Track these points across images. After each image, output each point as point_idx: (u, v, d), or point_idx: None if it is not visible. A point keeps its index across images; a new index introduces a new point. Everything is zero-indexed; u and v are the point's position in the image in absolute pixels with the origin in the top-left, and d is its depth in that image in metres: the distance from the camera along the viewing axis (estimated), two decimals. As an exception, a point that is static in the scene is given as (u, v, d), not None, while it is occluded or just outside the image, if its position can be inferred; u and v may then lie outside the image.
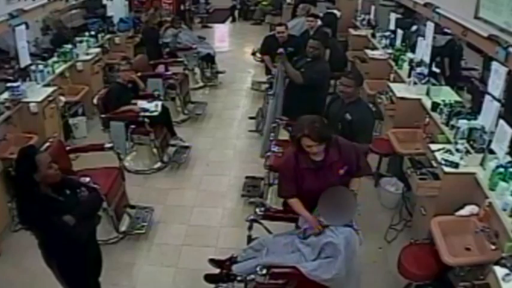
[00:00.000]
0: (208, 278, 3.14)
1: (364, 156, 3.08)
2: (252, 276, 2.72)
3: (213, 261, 3.19)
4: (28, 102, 4.44)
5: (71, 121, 5.52)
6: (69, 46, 5.78)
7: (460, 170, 3.34)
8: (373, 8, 7.39)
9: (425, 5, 5.00)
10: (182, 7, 10.95)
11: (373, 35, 6.82)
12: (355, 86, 3.54)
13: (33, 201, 2.43)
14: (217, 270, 3.13)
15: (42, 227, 2.47)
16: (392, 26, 6.36)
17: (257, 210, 3.13)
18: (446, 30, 5.02)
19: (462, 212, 3.16)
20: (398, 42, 5.95)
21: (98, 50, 6.30)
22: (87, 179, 3.53)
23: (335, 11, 8.17)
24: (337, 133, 3.32)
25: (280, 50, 4.81)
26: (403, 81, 5.08)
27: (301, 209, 2.85)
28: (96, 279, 2.99)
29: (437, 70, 4.95)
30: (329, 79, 4.97)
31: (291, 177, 2.86)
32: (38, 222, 2.46)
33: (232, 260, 3.03)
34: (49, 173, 2.47)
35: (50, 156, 2.58)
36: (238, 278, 3.04)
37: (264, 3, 11.70)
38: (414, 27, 6.16)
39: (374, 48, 6.39)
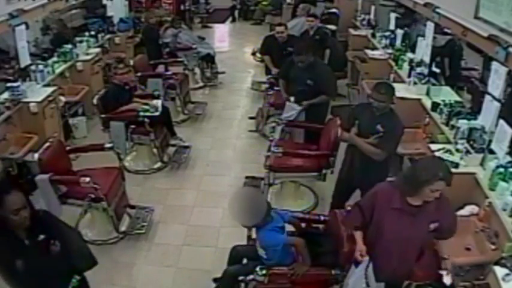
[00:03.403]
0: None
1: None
2: (252, 276, 2.72)
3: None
4: (28, 102, 4.44)
5: (71, 121, 5.52)
6: (69, 46, 5.78)
7: (460, 170, 3.34)
8: (373, 8, 7.38)
9: (425, 5, 5.00)
10: (182, 7, 10.95)
11: (373, 35, 6.81)
12: (388, 100, 3.38)
13: None
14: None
15: None
16: (392, 26, 6.36)
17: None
18: (446, 30, 5.02)
19: (462, 212, 3.16)
20: (398, 42, 5.95)
21: (98, 50, 6.29)
22: (87, 179, 3.56)
23: (336, 10, 8.21)
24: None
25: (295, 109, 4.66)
26: (403, 81, 5.07)
27: (360, 239, 2.65)
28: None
29: (437, 70, 4.95)
30: None
31: (367, 209, 2.61)
32: None
33: None
34: (12, 218, 2.17)
35: (22, 203, 2.20)
36: (239, 278, 3.04)
37: (264, 3, 11.68)
38: (413, 27, 6.18)
39: (374, 48, 6.39)
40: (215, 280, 3.20)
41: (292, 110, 4.65)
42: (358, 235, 2.65)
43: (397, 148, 3.60)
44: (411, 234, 2.50)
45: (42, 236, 2.28)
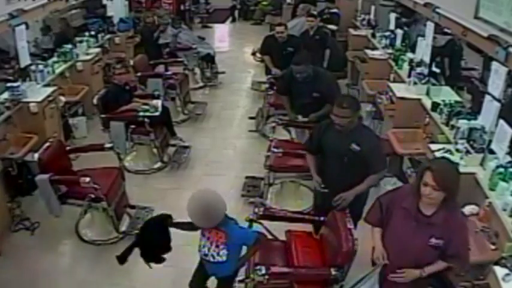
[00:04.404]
0: None
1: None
2: (252, 276, 2.72)
3: None
4: (28, 102, 4.43)
5: (71, 121, 5.52)
6: (69, 46, 5.78)
7: (460, 170, 3.32)
8: (373, 8, 7.39)
9: (425, 5, 5.00)
10: (182, 7, 10.95)
11: (373, 35, 6.81)
12: (353, 115, 3.00)
13: None
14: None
15: None
16: (392, 26, 6.36)
17: (256, 210, 3.13)
18: (446, 30, 5.02)
19: (462, 211, 3.16)
20: (398, 42, 5.95)
21: (98, 50, 6.29)
22: (87, 179, 3.56)
23: (337, 10, 8.23)
24: (343, 167, 3.09)
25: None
26: (403, 81, 5.07)
27: (378, 239, 2.55)
28: None
29: (437, 70, 4.95)
30: None
31: (385, 204, 2.53)
32: None
33: None
34: None
35: None
36: (239, 278, 3.03)
37: (264, 3, 11.68)
38: (413, 27, 6.20)
39: (374, 48, 6.39)
40: None
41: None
42: (377, 234, 2.58)
43: (386, 158, 3.41)
44: (409, 242, 2.39)
45: None
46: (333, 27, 7.26)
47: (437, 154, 3.53)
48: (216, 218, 2.50)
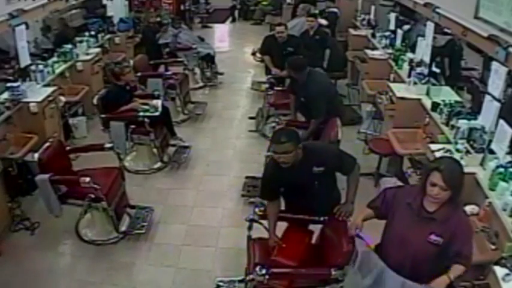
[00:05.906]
0: None
1: None
2: (252, 276, 2.72)
3: None
4: (28, 102, 4.43)
5: (71, 121, 5.52)
6: (69, 46, 5.79)
7: (460, 170, 3.34)
8: (373, 8, 7.39)
9: (425, 5, 5.00)
10: (182, 7, 10.96)
11: (373, 35, 6.81)
12: (294, 148, 2.73)
13: None
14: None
15: None
16: (392, 26, 6.36)
17: (256, 210, 3.13)
18: (446, 30, 5.02)
19: (462, 212, 3.15)
20: (398, 42, 5.95)
21: (98, 50, 6.30)
22: (87, 179, 3.56)
23: (335, 10, 8.21)
24: (316, 190, 2.93)
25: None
26: (403, 81, 5.07)
27: (363, 214, 2.65)
28: None
29: (437, 70, 4.95)
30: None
31: (387, 200, 2.56)
32: None
33: None
34: None
35: None
36: (239, 278, 3.03)
37: (264, 3, 11.69)
38: (407, 26, 6.20)
39: (374, 48, 6.39)
40: None
41: None
42: (364, 210, 2.67)
43: (349, 154, 3.19)
44: (409, 236, 2.37)
45: None
46: (323, 21, 7.17)
47: (437, 154, 3.52)
48: None
